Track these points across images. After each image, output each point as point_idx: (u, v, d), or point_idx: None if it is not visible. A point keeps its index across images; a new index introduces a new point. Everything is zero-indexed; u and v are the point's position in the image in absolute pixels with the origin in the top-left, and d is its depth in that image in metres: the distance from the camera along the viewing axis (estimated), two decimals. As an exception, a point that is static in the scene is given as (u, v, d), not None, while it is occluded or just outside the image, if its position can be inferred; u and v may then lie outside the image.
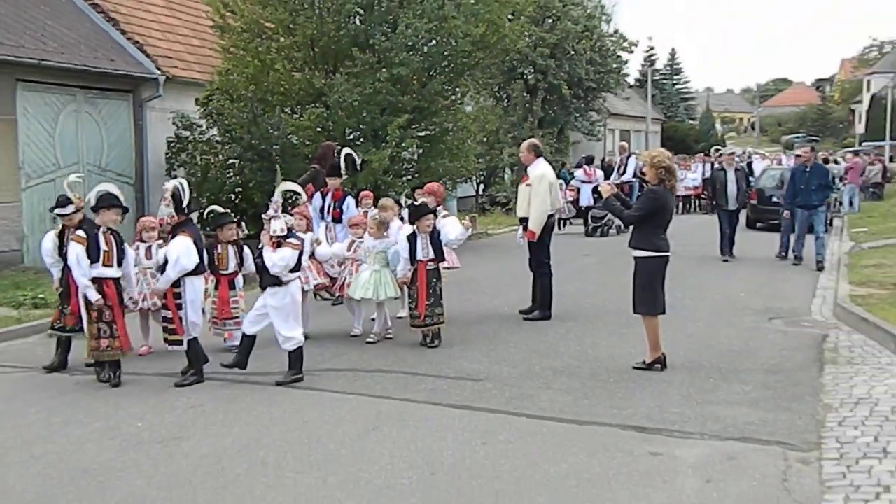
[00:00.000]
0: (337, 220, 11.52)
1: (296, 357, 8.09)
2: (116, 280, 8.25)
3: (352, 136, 17.96)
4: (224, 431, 6.74)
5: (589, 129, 36.45)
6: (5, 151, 15.27)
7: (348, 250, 10.03)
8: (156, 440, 6.51)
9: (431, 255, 9.32)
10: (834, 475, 5.46)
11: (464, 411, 7.13)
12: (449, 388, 7.82)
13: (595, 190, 21.71)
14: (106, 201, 8.28)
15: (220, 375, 8.35)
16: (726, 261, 15.83)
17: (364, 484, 5.58)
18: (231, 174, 17.31)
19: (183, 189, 8.40)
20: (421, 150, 18.72)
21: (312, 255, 9.65)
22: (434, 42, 18.07)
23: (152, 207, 18.04)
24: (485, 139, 22.89)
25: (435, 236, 9.42)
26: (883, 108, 57.63)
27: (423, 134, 18.41)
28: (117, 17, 18.88)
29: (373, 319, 9.98)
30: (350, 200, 11.61)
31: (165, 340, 8.32)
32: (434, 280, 9.35)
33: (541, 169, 10.92)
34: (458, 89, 20.27)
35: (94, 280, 8.02)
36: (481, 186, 27.81)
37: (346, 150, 12.30)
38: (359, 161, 12.86)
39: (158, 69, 18.42)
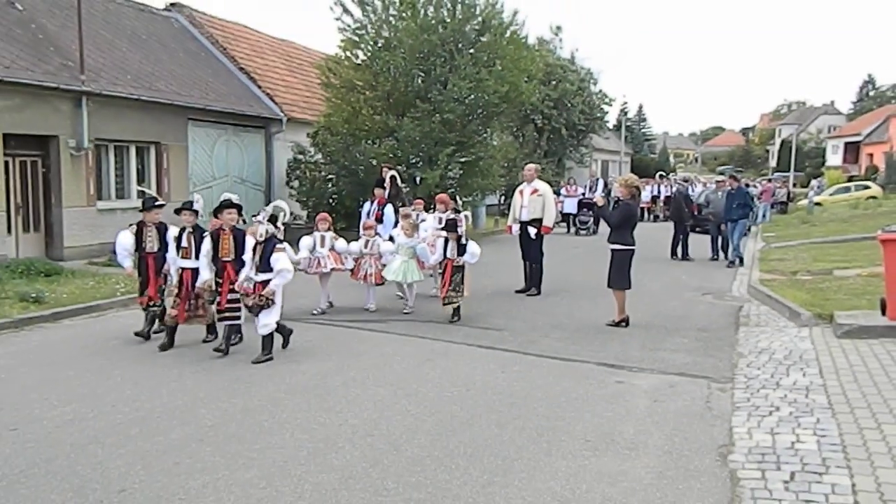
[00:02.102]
0: (378, 220, 10.50)
1: (268, 340, 6.85)
2: (193, 269, 7.17)
3: (413, 161, 18.05)
4: (326, 358, 6.91)
5: (579, 159, 36.17)
6: (180, 167, 15.65)
7: (365, 248, 9.26)
8: (281, 362, 6.72)
9: (457, 255, 8.76)
10: (741, 399, 5.54)
11: (489, 350, 7.24)
12: (479, 334, 7.92)
13: (580, 203, 21.63)
14: (184, 207, 7.37)
15: (324, 321, 8.52)
16: (688, 258, 14.91)
17: (422, 395, 5.73)
18: (330, 186, 17.57)
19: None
20: (462, 171, 18.76)
21: (332, 248, 9.11)
22: (473, 96, 18.06)
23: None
24: (506, 164, 22.89)
25: (461, 243, 8.78)
26: (789, 149, 56.58)
27: (463, 160, 18.41)
28: (255, 76, 19.16)
29: (398, 296, 9.72)
30: (389, 207, 10.77)
31: (222, 319, 7.13)
32: (457, 274, 8.70)
33: (545, 185, 10.79)
34: (488, 129, 20.27)
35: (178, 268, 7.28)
36: (502, 198, 27.80)
37: (392, 172, 11.69)
38: (399, 181, 11.80)
39: (282, 112, 18.68)
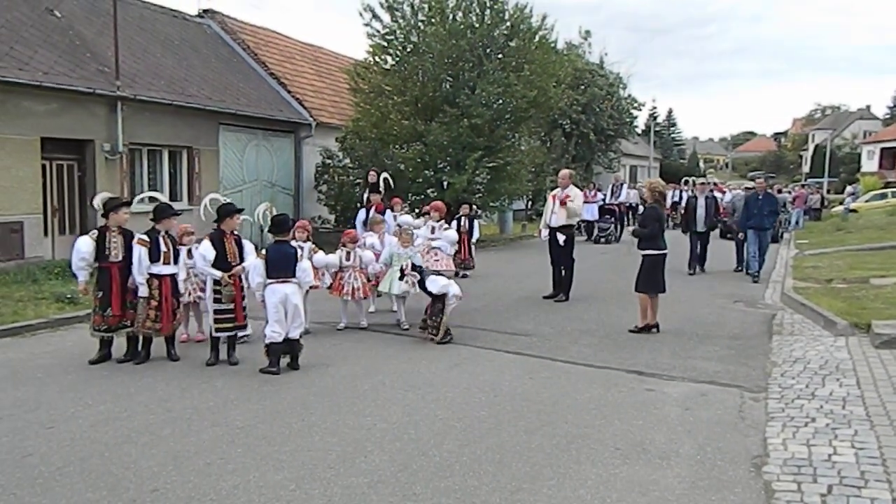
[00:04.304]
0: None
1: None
2: (172, 276, 6.91)
3: (441, 166, 18.10)
4: (355, 362, 6.93)
5: (608, 164, 35.79)
6: (211, 171, 15.84)
7: (347, 259, 8.41)
8: (312, 365, 6.73)
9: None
10: (776, 409, 5.43)
11: (517, 356, 7.19)
12: (507, 340, 7.88)
13: (601, 209, 21.23)
14: (165, 212, 6.92)
15: (353, 325, 8.49)
16: (692, 274, 13.24)
17: (449, 400, 5.71)
18: (358, 190, 17.61)
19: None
20: (489, 176, 18.74)
21: (310, 260, 8.03)
22: (501, 101, 18.03)
23: (305, 212, 18.54)
24: (533, 169, 22.74)
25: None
26: (823, 155, 55.66)
27: (491, 165, 18.39)
28: (285, 81, 19.34)
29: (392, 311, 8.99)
30: (389, 214, 10.28)
31: (220, 329, 6.85)
32: (437, 304, 7.93)
33: (577, 191, 10.72)
34: (516, 134, 20.18)
35: (154, 276, 6.74)
36: (530, 203, 27.70)
37: (384, 174, 11.41)
38: (392, 183, 11.59)
39: (311, 117, 18.77)
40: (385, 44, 18.41)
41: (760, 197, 12.67)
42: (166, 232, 6.91)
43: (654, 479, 4.24)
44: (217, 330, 6.89)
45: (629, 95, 34.46)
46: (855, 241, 17.88)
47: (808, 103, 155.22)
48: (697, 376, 6.42)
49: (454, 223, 12.16)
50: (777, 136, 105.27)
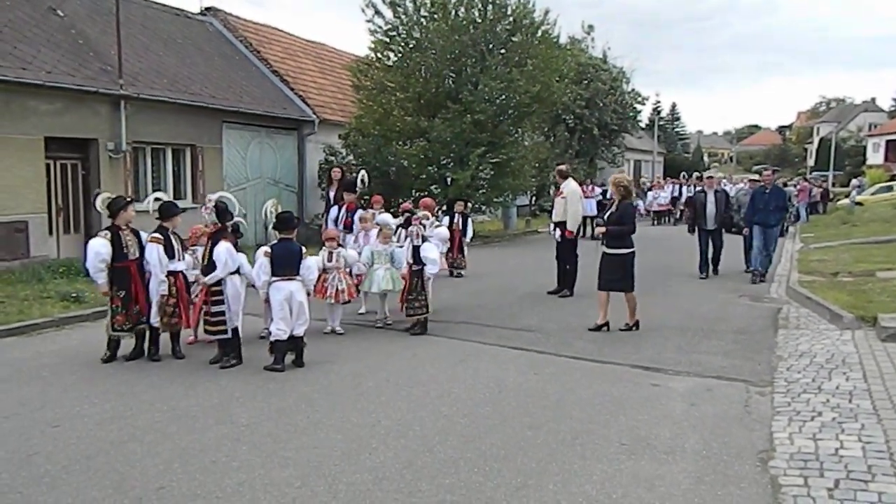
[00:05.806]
0: (348, 227, 9.98)
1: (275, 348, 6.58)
2: (184, 271, 7.00)
3: (444, 162, 18.09)
4: (359, 359, 6.93)
5: (612, 159, 35.68)
6: (215, 168, 15.82)
7: (329, 261, 7.98)
8: (316, 362, 6.72)
9: (412, 259, 8.09)
10: (782, 403, 5.41)
11: (522, 351, 7.19)
12: (512, 336, 7.87)
13: (599, 204, 21.08)
14: (171, 210, 6.99)
15: (356, 322, 8.49)
16: (704, 278, 12.10)
17: (454, 396, 5.71)
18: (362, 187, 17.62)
19: (230, 201, 7.04)
20: (493, 172, 18.67)
21: None
22: (504, 96, 18.00)
23: (310, 210, 18.54)
24: (537, 165, 22.66)
25: (417, 249, 8.07)
26: (828, 148, 55.45)
27: (494, 160, 18.33)
28: (288, 79, 19.31)
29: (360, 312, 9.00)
30: (360, 213, 10.06)
31: (206, 332, 6.80)
32: (415, 280, 8.01)
33: (572, 186, 10.51)
34: (519, 129, 20.14)
35: (170, 272, 6.81)
36: (533, 198, 27.64)
37: (363, 172, 11.15)
38: (367, 182, 11.25)
39: (314, 114, 18.73)
40: (387, 40, 18.41)
41: (768, 191, 11.75)
42: (172, 229, 6.99)
43: (660, 474, 4.23)
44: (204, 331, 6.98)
45: (632, 90, 34.34)
46: (861, 234, 17.79)
47: (813, 96, 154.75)
48: (703, 371, 6.39)
49: (446, 220, 12.06)
50: (782, 129, 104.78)
